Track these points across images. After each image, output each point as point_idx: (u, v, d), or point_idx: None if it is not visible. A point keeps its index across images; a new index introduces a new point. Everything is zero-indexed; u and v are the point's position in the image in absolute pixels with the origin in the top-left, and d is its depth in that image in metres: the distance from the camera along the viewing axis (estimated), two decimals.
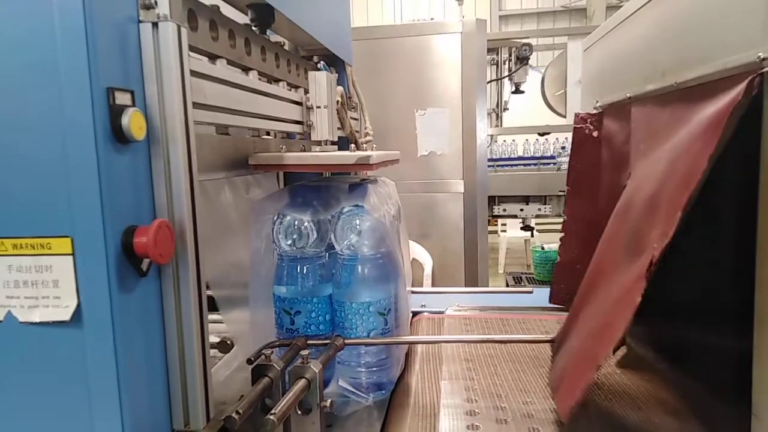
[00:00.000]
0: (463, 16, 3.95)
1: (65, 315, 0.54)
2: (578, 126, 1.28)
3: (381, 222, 0.98)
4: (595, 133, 1.18)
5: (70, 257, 0.54)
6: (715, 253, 0.84)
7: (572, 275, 1.12)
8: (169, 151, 0.61)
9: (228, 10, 0.99)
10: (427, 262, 2.91)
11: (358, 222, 0.97)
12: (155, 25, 0.60)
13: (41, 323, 0.55)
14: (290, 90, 1.16)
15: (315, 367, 0.80)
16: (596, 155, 1.14)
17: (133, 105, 0.57)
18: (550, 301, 1.22)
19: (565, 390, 0.76)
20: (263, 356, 0.82)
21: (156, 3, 0.60)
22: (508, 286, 4.15)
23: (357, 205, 0.98)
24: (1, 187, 0.54)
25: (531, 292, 1.29)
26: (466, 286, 2.98)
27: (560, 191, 3.55)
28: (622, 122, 1.09)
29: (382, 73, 3.05)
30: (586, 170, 1.21)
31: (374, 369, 0.97)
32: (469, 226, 3.06)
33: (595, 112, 1.28)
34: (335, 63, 1.55)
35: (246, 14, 1.10)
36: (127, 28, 0.58)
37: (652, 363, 1.00)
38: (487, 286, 3.22)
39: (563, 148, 3.87)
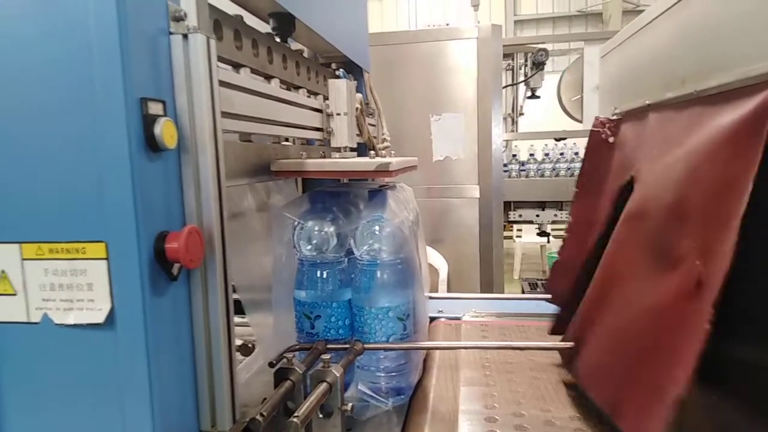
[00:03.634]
0: (478, 22, 3.95)
1: (99, 317, 0.56)
2: (595, 129, 1.29)
3: (400, 228, 0.99)
4: (611, 139, 1.18)
5: (105, 261, 0.56)
6: (752, 260, 0.83)
7: (566, 275, 1.12)
8: (199, 159, 0.62)
9: (250, 20, 1.01)
10: (442, 267, 2.91)
11: (377, 228, 0.98)
12: (185, 36, 0.61)
13: (76, 325, 0.57)
14: (310, 97, 1.18)
15: (336, 371, 0.81)
16: (608, 160, 1.15)
17: (165, 115, 0.58)
18: (550, 301, 1.23)
19: (632, 418, 0.74)
20: (285, 360, 0.84)
21: (186, 15, 0.63)
22: (523, 292, 4.13)
23: (377, 212, 0.99)
24: (38, 194, 0.57)
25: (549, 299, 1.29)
26: (481, 291, 2.97)
27: None
28: (639, 129, 1.09)
29: (398, 78, 3.07)
30: (595, 174, 1.21)
31: (393, 374, 0.98)
32: (485, 231, 3.06)
33: (614, 118, 1.28)
34: (353, 69, 1.57)
35: (267, 23, 1.13)
36: (158, 40, 0.60)
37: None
38: (503, 292, 3.21)
39: (576, 153, 3.85)
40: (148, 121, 0.56)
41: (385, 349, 0.97)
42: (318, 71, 1.33)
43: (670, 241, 0.77)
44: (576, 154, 3.82)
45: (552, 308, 1.19)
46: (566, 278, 1.11)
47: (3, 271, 0.58)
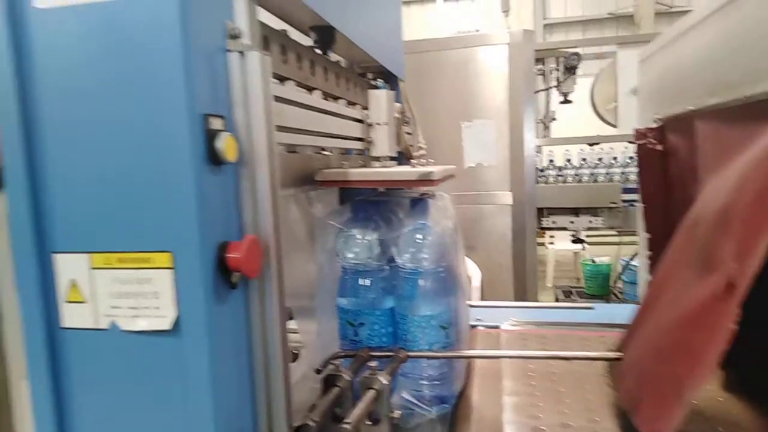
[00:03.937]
0: (509, 27, 3.94)
1: (165, 324, 0.58)
2: (640, 142, 1.27)
3: (442, 236, 1.00)
4: (658, 147, 1.16)
5: (170, 271, 0.58)
6: None
7: None
8: (255, 172, 0.64)
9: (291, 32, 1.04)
10: (475, 274, 2.89)
11: (420, 236, 0.99)
12: (242, 54, 0.64)
13: (142, 332, 0.59)
14: (349, 107, 1.20)
15: (384, 378, 0.82)
16: (664, 169, 1.13)
17: (225, 129, 0.61)
18: None
19: (647, 413, 0.75)
20: (332, 366, 0.85)
21: (241, 33, 0.65)
22: (557, 300, 4.07)
23: (419, 220, 1.00)
24: (107, 205, 0.59)
25: (591, 308, 1.27)
26: (515, 299, 2.95)
27: (611, 203, 3.46)
28: (686, 135, 1.07)
29: (427, 85, 3.08)
30: (656, 186, 1.19)
31: (436, 382, 0.99)
32: (518, 238, 3.03)
33: (655, 126, 1.26)
34: (388, 78, 1.59)
35: (308, 36, 1.15)
36: (216, 57, 0.62)
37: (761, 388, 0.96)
38: (536, 299, 3.18)
39: (613, 158, 3.78)
40: (210, 135, 0.58)
41: (429, 358, 0.97)
42: (355, 81, 1.36)
43: (714, 246, 0.76)
44: (600, 159, 3.75)
45: (597, 318, 1.18)
46: None
47: (74, 280, 0.61)
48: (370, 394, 0.80)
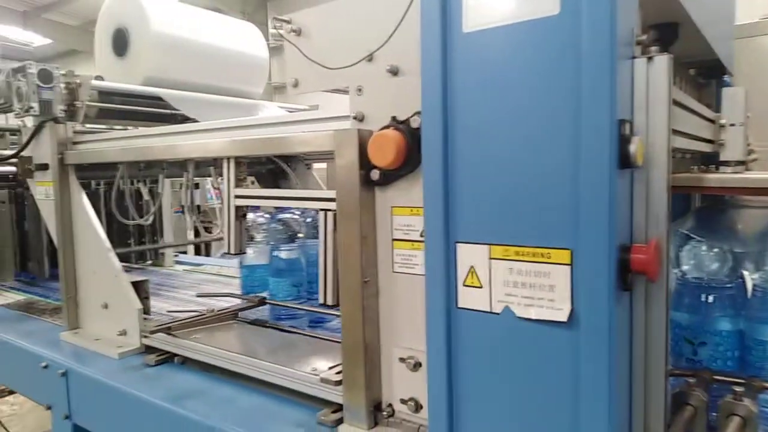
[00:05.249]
0: None
1: (561, 316, 0.62)
2: None
3: None
4: None
5: (567, 267, 0.62)
6: None
7: None
8: (650, 175, 0.64)
9: None
10: None
11: None
12: (650, 59, 0.64)
13: (535, 320, 0.65)
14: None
15: (752, 406, 0.74)
16: None
17: (632, 134, 0.62)
18: None
19: None
20: (683, 383, 0.81)
21: (647, 40, 0.65)
22: None
23: None
24: (511, 204, 0.66)
25: None
26: None
27: None
28: None
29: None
30: None
31: None
32: None
33: None
34: (715, 73, 1.42)
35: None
36: (626, 64, 0.63)
37: None
38: None
39: None
40: (624, 140, 0.60)
41: None
42: (683, 77, 1.25)
43: None
44: None
45: None
46: None
47: (473, 267, 0.70)
48: (737, 421, 0.73)
